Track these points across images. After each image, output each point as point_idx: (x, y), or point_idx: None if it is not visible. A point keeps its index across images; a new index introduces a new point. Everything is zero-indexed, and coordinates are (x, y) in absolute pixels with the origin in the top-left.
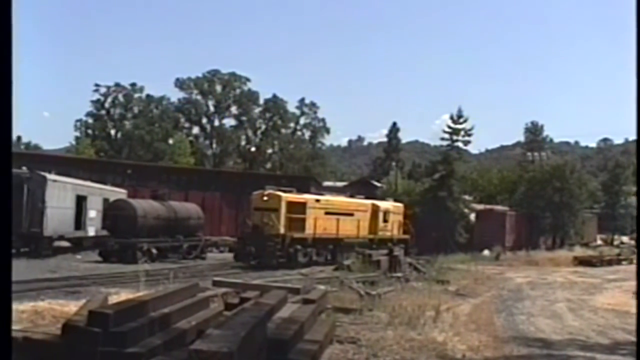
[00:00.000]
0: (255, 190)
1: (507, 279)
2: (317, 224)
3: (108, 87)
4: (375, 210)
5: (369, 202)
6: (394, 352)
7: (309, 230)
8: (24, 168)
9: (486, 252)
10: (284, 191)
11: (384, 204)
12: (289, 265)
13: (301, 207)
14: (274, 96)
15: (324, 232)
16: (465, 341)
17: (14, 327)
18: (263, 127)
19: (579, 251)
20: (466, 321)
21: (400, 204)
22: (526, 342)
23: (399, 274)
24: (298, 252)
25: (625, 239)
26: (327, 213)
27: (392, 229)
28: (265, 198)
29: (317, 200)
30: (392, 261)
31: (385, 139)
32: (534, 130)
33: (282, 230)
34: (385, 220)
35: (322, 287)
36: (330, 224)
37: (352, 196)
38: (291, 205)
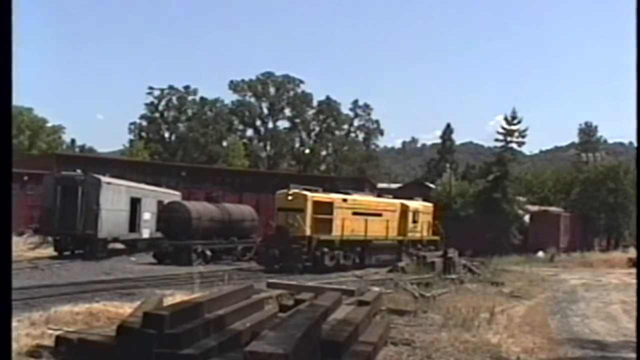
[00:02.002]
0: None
1: (561, 280)
2: (344, 225)
3: (162, 90)
4: (404, 210)
5: (398, 201)
6: (449, 354)
7: (336, 232)
8: (79, 171)
9: (540, 254)
10: (310, 190)
11: (413, 204)
12: (315, 270)
13: (328, 207)
14: (328, 98)
15: (351, 233)
16: (519, 343)
17: (69, 328)
18: (317, 129)
19: (633, 252)
20: (520, 323)
21: (429, 204)
22: (581, 344)
23: (454, 276)
24: (325, 255)
25: None
26: (354, 213)
27: (421, 229)
28: (290, 198)
29: (344, 200)
30: (447, 263)
31: (439, 141)
32: (587, 131)
33: (308, 232)
34: (414, 221)
35: (376, 288)
36: (358, 224)
37: (379, 195)
38: (317, 205)
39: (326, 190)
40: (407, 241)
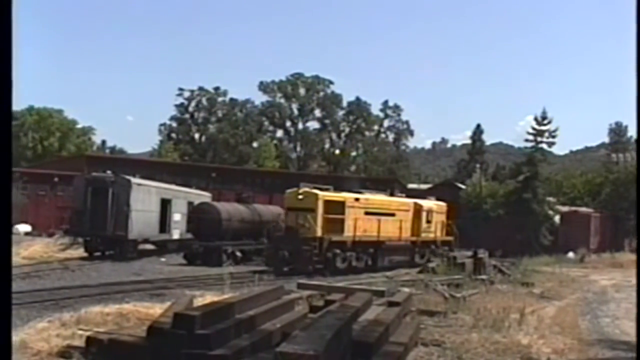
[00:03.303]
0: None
1: (591, 281)
2: (356, 225)
3: (192, 91)
4: (418, 209)
5: (411, 201)
6: (479, 355)
7: (348, 233)
8: (109, 172)
9: (571, 255)
10: (321, 189)
11: (427, 203)
12: (327, 272)
13: (339, 206)
14: (358, 99)
15: (363, 234)
16: (550, 344)
17: (99, 329)
18: (347, 129)
19: None
20: (551, 324)
21: (443, 203)
22: (611, 345)
23: (484, 277)
24: (336, 256)
25: None
26: (367, 213)
27: (435, 230)
28: (300, 197)
29: (357, 199)
30: (477, 263)
31: (469, 141)
32: (618, 131)
33: (318, 233)
34: (428, 221)
35: (406, 289)
36: (370, 225)
37: (392, 195)
38: (329, 204)
39: (337, 189)
40: (420, 242)
